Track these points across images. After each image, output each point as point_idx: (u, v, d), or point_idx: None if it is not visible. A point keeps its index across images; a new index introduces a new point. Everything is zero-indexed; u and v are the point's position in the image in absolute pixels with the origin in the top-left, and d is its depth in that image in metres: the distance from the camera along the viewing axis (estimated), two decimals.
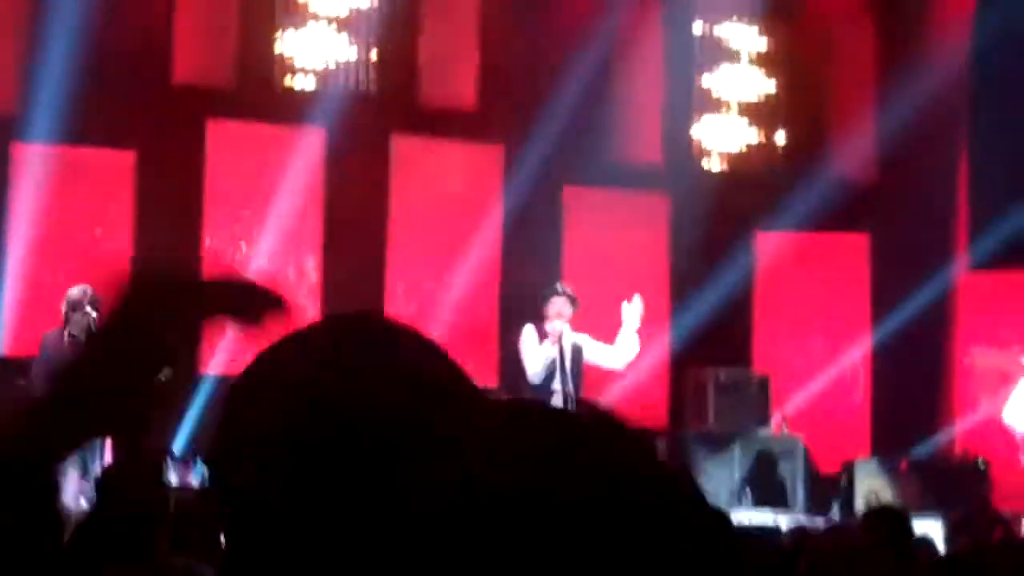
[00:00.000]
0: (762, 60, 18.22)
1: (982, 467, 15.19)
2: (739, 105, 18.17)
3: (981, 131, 17.41)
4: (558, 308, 13.43)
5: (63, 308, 13.51)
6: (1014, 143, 16.59)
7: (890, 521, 7.95)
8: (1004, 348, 16.25)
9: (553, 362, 13.47)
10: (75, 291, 13.42)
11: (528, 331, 13.60)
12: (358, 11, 16.96)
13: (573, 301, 13.55)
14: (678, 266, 17.43)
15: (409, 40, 17.14)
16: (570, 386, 13.54)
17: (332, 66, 16.92)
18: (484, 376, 14.79)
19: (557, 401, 13.37)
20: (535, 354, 13.47)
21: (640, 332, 13.97)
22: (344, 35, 16.93)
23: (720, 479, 15.05)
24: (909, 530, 7.97)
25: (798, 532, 10.88)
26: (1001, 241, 16.60)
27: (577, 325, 13.68)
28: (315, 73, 16.88)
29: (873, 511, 9.41)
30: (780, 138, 18.22)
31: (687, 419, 16.09)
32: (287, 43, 16.82)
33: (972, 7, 17.66)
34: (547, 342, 13.40)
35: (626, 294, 16.28)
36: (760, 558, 7.48)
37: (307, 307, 16.01)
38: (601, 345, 13.83)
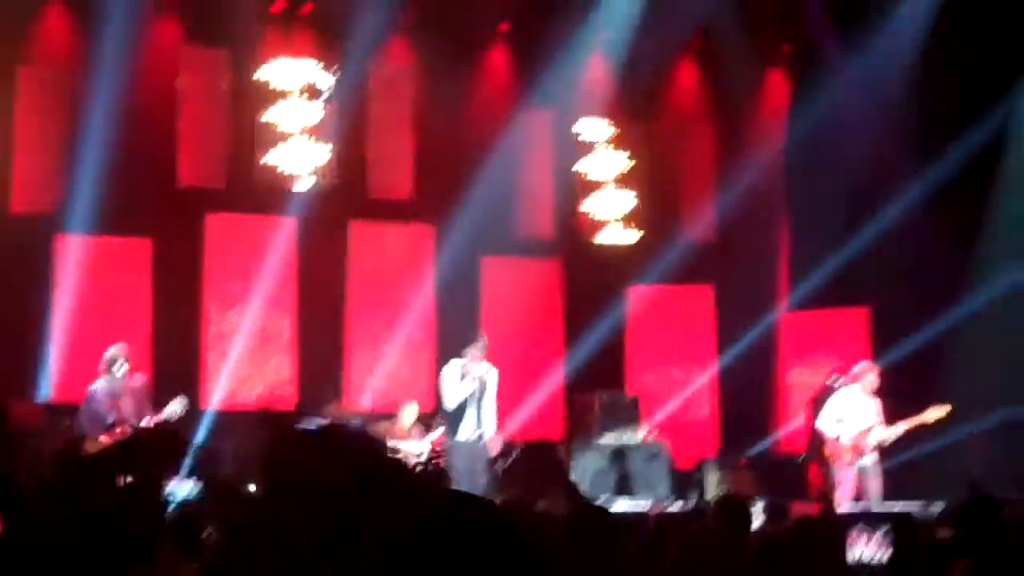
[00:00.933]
0: (629, 150, 18.07)
1: (800, 462, 15.39)
2: (610, 186, 18.04)
3: (795, 203, 17.62)
4: (479, 352, 13.66)
5: (101, 364, 13.43)
6: (821, 212, 16.68)
7: (732, 506, 7.91)
8: (816, 370, 16.27)
9: (472, 395, 13.64)
10: (112, 350, 13.46)
11: (447, 372, 13.79)
12: (319, 122, 16.68)
13: (484, 345, 13.71)
14: (570, 315, 17.54)
15: (358, 144, 17.04)
16: (481, 411, 13.68)
17: (300, 166, 16.63)
18: (425, 403, 15.36)
19: (471, 422, 13.64)
20: (456, 389, 13.64)
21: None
22: (309, 141, 16.67)
23: (604, 476, 15.02)
24: (748, 514, 7.90)
25: (663, 516, 11.01)
26: (812, 288, 16.91)
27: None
28: (287, 173, 16.62)
29: (720, 499, 9.43)
30: (641, 211, 18.07)
31: (578, 431, 16.08)
32: (265, 150, 16.54)
33: (786, 113, 18.03)
34: (467, 378, 13.57)
35: (531, 339, 17.25)
36: (634, 538, 7.54)
37: (284, 358, 16.70)
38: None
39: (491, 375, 13.78)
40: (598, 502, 10.52)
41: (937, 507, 10.73)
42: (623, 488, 15.04)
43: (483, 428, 13.65)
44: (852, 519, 10.85)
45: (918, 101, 16.31)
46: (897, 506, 12.48)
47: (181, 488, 12.30)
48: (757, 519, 9.51)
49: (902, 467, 14.09)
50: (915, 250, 16.19)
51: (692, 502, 13.86)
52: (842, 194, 16.69)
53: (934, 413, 13.51)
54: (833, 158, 16.71)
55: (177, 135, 16.52)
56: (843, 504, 13.11)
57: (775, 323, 17.78)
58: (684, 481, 15.56)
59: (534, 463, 15.48)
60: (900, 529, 9.18)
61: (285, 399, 16.24)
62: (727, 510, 7.97)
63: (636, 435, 15.92)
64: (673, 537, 6.78)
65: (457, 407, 13.67)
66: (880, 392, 13.87)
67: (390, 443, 14.43)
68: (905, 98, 16.36)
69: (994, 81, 16.20)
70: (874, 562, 9.37)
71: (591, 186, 18.19)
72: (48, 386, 15.27)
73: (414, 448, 14.56)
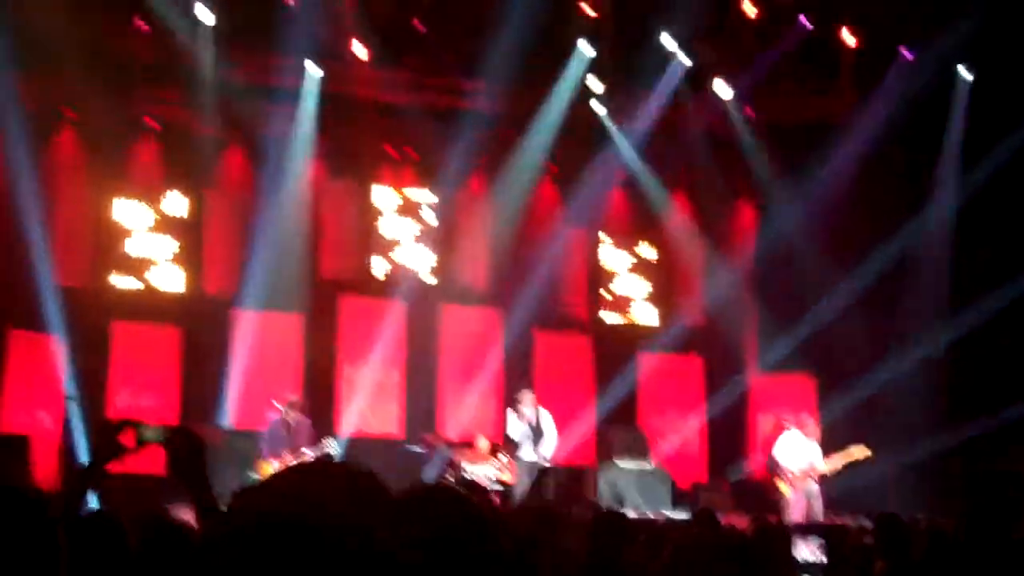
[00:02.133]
0: (638, 257, 18.17)
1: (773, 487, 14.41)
2: (625, 281, 18.11)
3: (761, 296, 17.45)
4: (528, 399, 14.21)
5: (282, 406, 13.70)
6: (780, 303, 16.69)
7: (709, 518, 8.09)
8: (775, 418, 16.02)
9: (528, 431, 14.13)
10: (291, 397, 13.88)
11: (510, 416, 14.36)
12: (421, 233, 17.01)
13: (532, 394, 14.26)
14: (599, 373, 17.34)
15: (449, 249, 17.14)
16: (535, 439, 14.13)
17: (407, 265, 16.93)
18: (493, 437, 15.27)
19: (528, 448, 14.09)
20: (516, 427, 14.19)
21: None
22: (415, 247, 16.99)
23: (622, 491, 14.95)
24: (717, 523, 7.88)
25: (668, 522, 11.67)
26: (773, 359, 17.00)
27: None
28: (399, 269, 16.90)
29: (699, 512, 9.78)
30: (649, 301, 18.15)
31: (604, 457, 15.97)
32: (383, 252, 16.90)
33: (755, 225, 18.10)
34: (525, 417, 14.04)
35: (571, 389, 17.25)
36: (647, 537, 7.44)
37: (394, 403, 16.68)
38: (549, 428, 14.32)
39: (541, 414, 14.09)
40: (616, 510, 10.59)
41: (864, 522, 10.85)
42: (635, 500, 15.00)
43: (538, 453, 13.83)
44: (798, 528, 10.81)
45: (844, 225, 16.35)
46: (836, 520, 12.65)
47: None
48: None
49: (841, 491, 14.09)
50: (848, 331, 16.07)
51: (687, 513, 13.67)
52: (796, 290, 16.63)
53: (858, 451, 13.59)
54: (788, 263, 16.65)
55: (321, 239, 16.66)
56: (798, 516, 13.26)
57: (747, 383, 17.74)
58: (684, 498, 15.52)
59: (571, 480, 15.50)
60: (834, 537, 9.31)
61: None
62: (704, 517, 8.22)
63: (646, 462, 15.92)
64: (671, 537, 6.82)
65: (518, 437, 13.97)
66: (818, 437, 14.06)
67: (466, 464, 14.54)
68: (838, 223, 16.37)
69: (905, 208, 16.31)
70: (814, 562, 9.43)
71: (613, 280, 18.20)
72: (229, 417, 15.35)
73: (486, 470, 14.54)
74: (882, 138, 16.09)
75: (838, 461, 13.66)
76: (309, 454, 13.20)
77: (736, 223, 18.39)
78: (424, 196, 17.16)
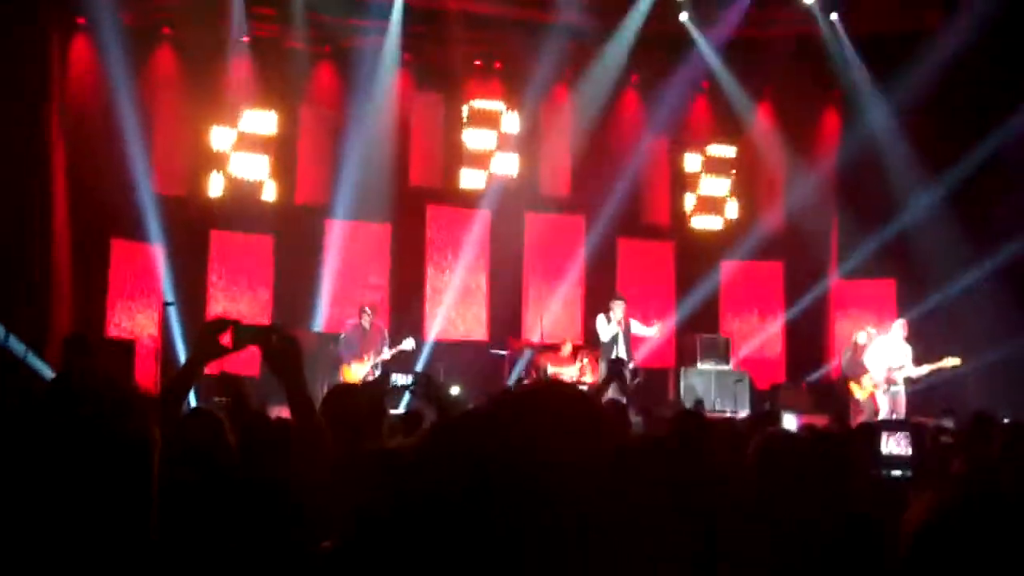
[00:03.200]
0: (722, 165, 17.85)
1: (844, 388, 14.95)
2: (717, 186, 17.87)
3: (843, 202, 17.28)
4: (620, 307, 14.25)
5: (358, 313, 14.22)
6: (861, 209, 16.53)
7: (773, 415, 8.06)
8: (856, 323, 16.01)
9: (616, 335, 14.18)
10: (365, 306, 14.23)
11: (600, 319, 14.32)
12: (506, 143, 16.81)
13: (624, 303, 14.28)
14: (679, 280, 17.42)
15: (532, 158, 17.02)
16: (623, 344, 14.12)
17: (491, 174, 16.77)
18: (576, 340, 15.47)
19: (616, 352, 13.99)
20: (606, 330, 14.19)
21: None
22: (499, 155, 16.79)
23: (706, 393, 15.07)
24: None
25: (750, 418, 11.70)
26: (855, 264, 16.84)
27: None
28: (484, 178, 16.76)
29: (764, 411, 9.74)
30: (732, 206, 17.94)
31: (686, 361, 16.08)
32: (469, 161, 16.71)
33: (838, 137, 17.69)
34: (614, 322, 14.12)
35: (653, 296, 17.22)
36: (726, 434, 7.43)
37: (480, 307, 16.83)
38: (641, 327, 14.42)
39: (633, 324, 14.14)
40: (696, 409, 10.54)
41: (944, 421, 10.77)
42: (719, 400, 15.06)
43: (625, 356, 13.83)
44: (885, 424, 10.81)
45: (932, 131, 15.95)
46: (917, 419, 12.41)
47: (401, 378, 12.43)
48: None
49: (925, 391, 14.11)
50: (931, 238, 15.79)
51: (767, 410, 13.63)
52: (879, 196, 16.35)
53: (950, 361, 13.76)
54: (872, 169, 16.38)
55: (409, 150, 16.68)
56: (884, 415, 13.31)
57: (827, 288, 17.55)
58: (762, 397, 15.49)
59: (653, 382, 15.53)
60: (917, 433, 9.22)
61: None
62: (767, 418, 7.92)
63: (727, 364, 15.96)
64: (753, 434, 6.90)
65: (608, 341, 13.97)
66: (908, 339, 14.02)
67: (549, 366, 14.65)
68: (923, 131, 16.00)
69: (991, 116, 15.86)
70: (901, 455, 9.38)
71: (695, 187, 18.00)
72: (320, 321, 15.54)
73: (569, 371, 14.71)
74: (969, 47, 15.49)
75: (928, 367, 13.85)
76: (386, 355, 13.45)
77: (820, 129, 18.03)
78: (509, 106, 17.04)
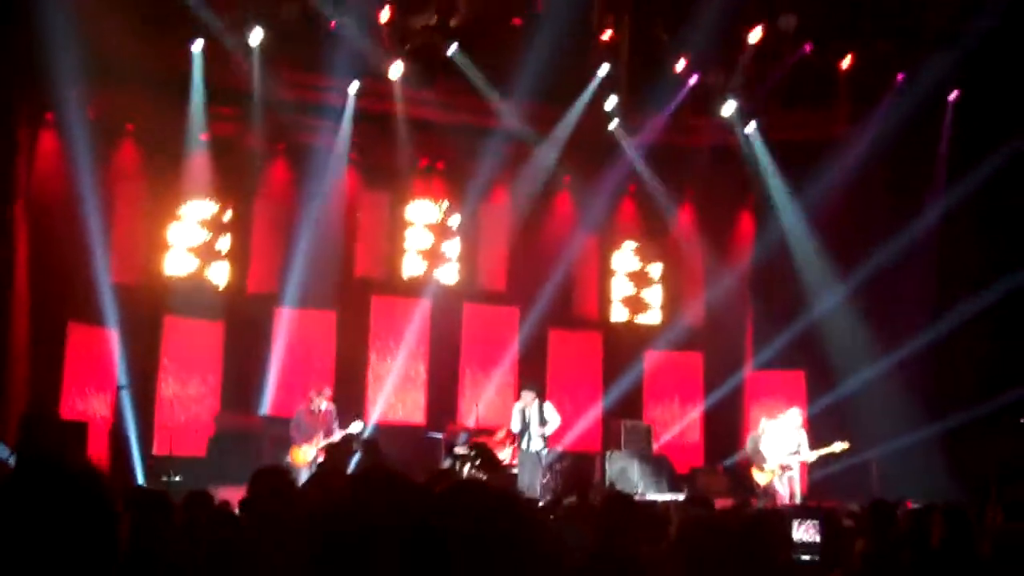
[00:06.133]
0: (647, 261, 18.08)
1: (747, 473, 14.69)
2: (642, 281, 18.07)
3: (757, 298, 17.48)
4: (527, 396, 13.96)
5: (310, 395, 13.74)
6: (774, 305, 16.76)
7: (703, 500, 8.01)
8: (767, 410, 15.51)
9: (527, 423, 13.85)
10: (316, 389, 13.82)
11: (514, 408, 14.07)
12: (446, 238, 16.90)
13: (533, 392, 14.01)
14: (606, 369, 17.31)
15: (472, 254, 17.12)
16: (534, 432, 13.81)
17: (434, 268, 16.84)
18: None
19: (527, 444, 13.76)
20: (516, 419, 13.89)
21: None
22: (440, 251, 16.83)
23: (628, 477, 14.89)
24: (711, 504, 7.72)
25: (668, 503, 11.64)
26: (768, 357, 16.92)
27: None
28: (425, 271, 16.80)
29: (691, 495, 9.91)
30: (657, 303, 18.09)
31: (611, 445, 15.87)
32: (412, 256, 16.80)
33: (754, 233, 17.86)
34: (519, 411, 13.81)
35: (580, 383, 17.21)
36: (647, 517, 7.13)
37: (419, 393, 16.68)
38: (552, 414, 13.98)
39: (544, 407, 13.84)
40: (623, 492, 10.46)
41: (849, 505, 10.84)
42: (641, 485, 14.96)
43: (536, 445, 13.72)
44: (795, 512, 10.81)
45: (839, 232, 16.25)
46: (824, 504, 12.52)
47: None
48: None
49: (832, 477, 14.21)
50: (838, 332, 16.03)
51: (687, 495, 13.64)
52: (788, 292, 16.55)
53: (839, 446, 13.81)
54: (784, 268, 16.64)
55: (355, 243, 16.70)
56: (782, 500, 13.35)
57: (742, 378, 17.67)
58: (681, 481, 15.47)
59: (581, 466, 15.41)
60: (826, 521, 9.27)
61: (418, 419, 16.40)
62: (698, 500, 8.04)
63: (649, 449, 15.93)
64: (675, 517, 6.90)
65: (519, 430, 13.86)
66: (805, 427, 14.16)
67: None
68: (831, 232, 16.30)
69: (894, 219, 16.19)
70: (810, 541, 9.42)
71: (622, 282, 18.12)
72: (267, 405, 15.38)
73: (503, 454, 14.46)
74: (875, 154, 15.99)
75: (818, 453, 13.94)
76: (336, 437, 13.20)
77: (737, 230, 18.31)
78: (451, 205, 17.19)
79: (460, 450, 12.09)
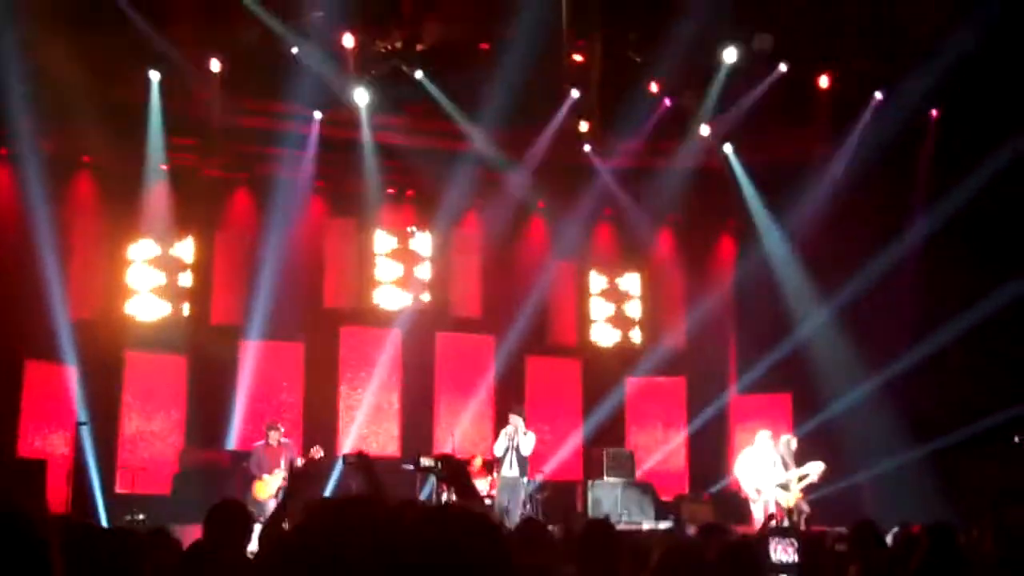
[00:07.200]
0: (626, 287, 17.75)
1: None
2: (622, 305, 17.66)
3: (740, 322, 17.18)
4: (514, 420, 13.61)
5: (265, 429, 13.58)
6: (758, 329, 16.38)
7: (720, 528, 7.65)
8: (752, 435, 14.75)
9: (507, 448, 13.51)
10: (271, 423, 13.65)
11: (501, 433, 13.74)
12: (417, 266, 16.60)
13: (519, 416, 13.60)
14: (586, 395, 17.01)
15: (443, 281, 16.75)
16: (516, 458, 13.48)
17: (404, 296, 16.47)
18: (487, 454, 14.66)
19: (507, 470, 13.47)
20: (499, 443, 13.57)
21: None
22: (411, 279, 16.48)
23: (610, 505, 14.71)
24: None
25: (653, 531, 11.36)
26: (752, 380, 16.53)
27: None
28: (396, 300, 16.42)
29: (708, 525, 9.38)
30: (637, 329, 17.74)
31: (593, 474, 15.54)
32: (381, 285, 16.41)
33: (735, 255, 17.56)
34: (505, 436, 13.48)
35: (560, 411, 16.78)
36: (631, 546, 7.63)
37: (392, 423, 16.32)
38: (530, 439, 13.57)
39: (528, 436, 13.48)
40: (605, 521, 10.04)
41: (839, 529, 10.40)
42: (625, 513, 14.69)
43: (518, 471, 13.35)
44: (775, 531, 10.41)
45: (822, 254, 15.88)
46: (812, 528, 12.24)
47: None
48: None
49: (823, 501, 13.70)
50: (822, 354, 15.66)
51: (671, 523, 13.63)
52: (771, 315, 16.20)
53: (815, 467, 13.25)
54: (766, 291, 16.29)
55: (323, 273, 16.33)
56: (768, 523, 12.65)
57: (727, 403, 17.26)
58: (666, 509, 15.16)
59: (560, 495, 15.08)
60: (809, 543, 8.81)
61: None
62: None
63: (632, 476, 15.59)
64: (658, 546, 6.50)
65: (501, 455, 13.48)
66: (790, 450, 13.68)
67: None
68: (813, 254, 15.98)
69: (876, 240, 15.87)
70: (789, 562, 8.98)
71: (601, 307, 17.76)
72: (233, 439, 15.04)
73: (481, 484, 14.08)
74: (856, 173, 15.65)
75: (795, 474, 13.38)
76: (296, 465, 12.89)
77: (718, 253, 17.97)
78: (421, 231, 16.80)
79: (426, 462, 11.95)
